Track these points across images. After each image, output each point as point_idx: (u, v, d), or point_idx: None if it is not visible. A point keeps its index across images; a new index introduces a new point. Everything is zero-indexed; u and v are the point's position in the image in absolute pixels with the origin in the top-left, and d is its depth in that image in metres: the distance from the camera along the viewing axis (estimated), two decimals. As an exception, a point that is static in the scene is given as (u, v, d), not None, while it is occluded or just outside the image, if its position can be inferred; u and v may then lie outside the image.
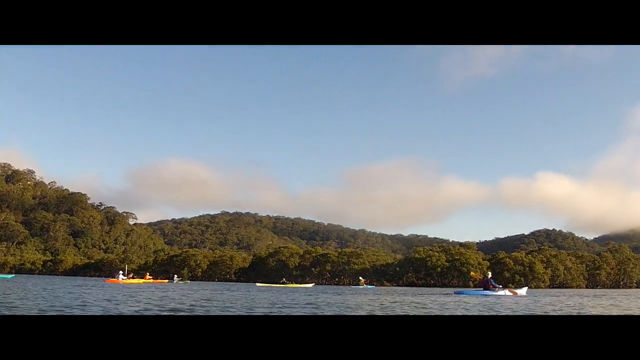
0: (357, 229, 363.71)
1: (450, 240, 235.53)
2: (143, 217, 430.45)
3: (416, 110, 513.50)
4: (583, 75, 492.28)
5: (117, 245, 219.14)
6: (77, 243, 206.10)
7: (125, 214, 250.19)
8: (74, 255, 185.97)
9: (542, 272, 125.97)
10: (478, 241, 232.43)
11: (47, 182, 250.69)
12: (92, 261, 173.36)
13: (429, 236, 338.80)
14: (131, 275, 77.17)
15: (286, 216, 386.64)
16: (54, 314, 13.41)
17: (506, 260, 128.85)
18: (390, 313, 17.06)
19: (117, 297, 23.47)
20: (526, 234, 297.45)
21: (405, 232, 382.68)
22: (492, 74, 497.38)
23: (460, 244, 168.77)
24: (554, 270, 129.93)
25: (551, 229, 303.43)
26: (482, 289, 43.55)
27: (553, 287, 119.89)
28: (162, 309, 16.32)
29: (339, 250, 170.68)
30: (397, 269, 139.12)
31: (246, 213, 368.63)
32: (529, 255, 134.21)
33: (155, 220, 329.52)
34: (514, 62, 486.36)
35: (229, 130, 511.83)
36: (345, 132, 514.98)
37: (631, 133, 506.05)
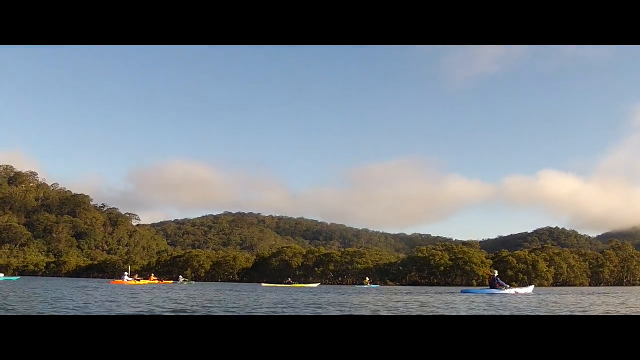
0: (360, 228, 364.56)
1: (453, 239, 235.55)
2: (146, 218, 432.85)
3: (418, 109, 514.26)
4: (585, 72, 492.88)
5: (120, 247, 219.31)
6: (80, 244, 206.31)
7: (128, 215, 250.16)
8: (77, 256, 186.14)
9: (545, 270, 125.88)
10: (481, 239, 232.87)
11: (49, 184, 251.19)
12: (95, 262, 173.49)
13: (432, 235, 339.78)
14: (136, 276, 77.12)
15: (289, 216, 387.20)
16: (72, 314, 13.43)
17: (509, 258, 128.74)
18: (405, 313, 17.08)
19: (135, 297, 23.49)
20: (529, 232, 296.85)
21: (408, 231, 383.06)
22: (494, 72, 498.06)
23: (463, 243, 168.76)
24: (557, 269, 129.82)
25: (554, 227, 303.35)
26: (488, 287, 43.54)
27: (556, 285, 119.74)
28: (183, 310, 16.34)
29: (342, 249, 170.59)
30: (400, 268, 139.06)
31: (249, 213, 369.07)
32: (532, 254, 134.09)
33: (158, 221, 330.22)
34: (515, 60, 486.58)
35: (229, 130, 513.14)
36: (347, 131, 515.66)
37: (634, 130, 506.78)
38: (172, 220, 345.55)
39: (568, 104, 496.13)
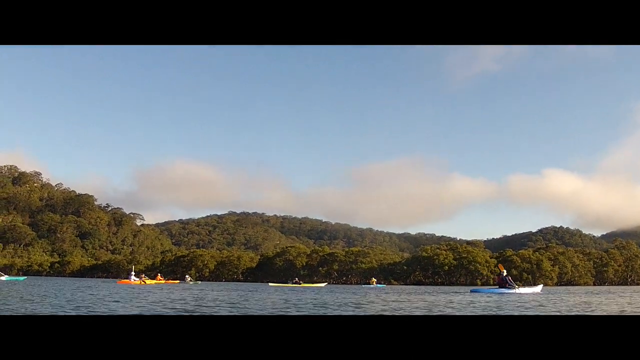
0: (365, 227, 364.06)
1: (458, 239, 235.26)
2: (150, 218, 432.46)
3: (419, 109, 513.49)
4: (586, 72, 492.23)
5: (125, 246, 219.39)
6: (85, 244, 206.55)
7: (132, 215, 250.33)
8: (82, 256, 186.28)
9: (549, 269, 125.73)
10: (485, 239, 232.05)
11: (53, 184, 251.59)
12: (100, 262, 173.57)
13: (437, 234, 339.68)
14: (143, 276, 77.26)
15: (293, 216, 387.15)
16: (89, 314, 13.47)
17: (513, 258, 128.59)
18: (427, 313, 17.11)
19: (146, 298, 23.55)
20: (534, 231, 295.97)
21: (413, 231, 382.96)
22: (495, 72, 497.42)
23: (468, 242, 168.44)
24: (561, 268, 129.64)
25: (558, 226, 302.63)
26: (497, 287, 43.46)
27: (560, 285, 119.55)
28: (204, 311, 16.38)
29: (346, 249, 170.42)
30: (405, 267, 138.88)
31: (253, 213, 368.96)
32: (537, 253, 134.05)
33: (163, 221, 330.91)
34: (516, 59, 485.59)
35: (228, 130, 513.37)
36: (348, 131, 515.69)
37: (637, 128, 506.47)
38: (177, 220, 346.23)
39: (568, 104, 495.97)
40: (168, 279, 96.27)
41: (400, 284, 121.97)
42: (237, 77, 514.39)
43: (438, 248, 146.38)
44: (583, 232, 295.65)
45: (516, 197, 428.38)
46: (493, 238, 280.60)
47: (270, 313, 15.73)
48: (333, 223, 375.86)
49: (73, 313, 14.14)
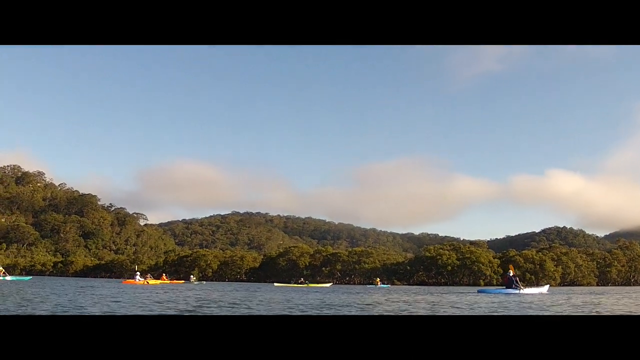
0: (368, 228, 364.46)
1: (461, 239, 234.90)
2: (153, 218, 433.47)
3: (419, 109, 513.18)
4: (590, 70, 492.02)
5: (128, 246, 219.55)
6: (88, 244, 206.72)
7: (135, 215, 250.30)
8: (85, 256, 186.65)
9: (552, 270, 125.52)
10: (489, 239, 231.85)
11: (57, 184, 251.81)
12: (103, 262, 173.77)
13: (440, 235, 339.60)
14: (148, 276, 77.33)
15: (297, 216, 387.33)
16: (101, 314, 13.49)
17: (517, 258, 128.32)
18: (433, 314, 17.13)
19: (159, 298, 23.59)
20: (537, 231, 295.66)
21: (416, 231, 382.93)
22: (496, 72, 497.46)
23: (471, 243, 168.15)
24: (564, 268, 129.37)
25: (562, 226, 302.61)
26: (504, 287, 43.42)
27: (564, 285, 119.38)
28: (221, 310, 16.40)
29: (350, 249, 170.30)
30: (408, 267, 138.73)
31: (257, 213, 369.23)
32: (540, 253, 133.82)
33: (166, 221, 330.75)
34: (517, 59, 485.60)
35: (229, 130, 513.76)
36: (348, 131, 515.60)
37: (637, 129, 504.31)
38: (180, 220, 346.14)
39: (569, 103, 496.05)
40: (172, 279, 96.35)
41: (404, 284, 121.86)
42: (237, 77, 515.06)
43: (441, 248, 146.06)
44: (586, 233, 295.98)
45: (519, 198, 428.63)
46: (496, 238, 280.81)
47: (288, 313, 15.76)
48: (336, 223, 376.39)
49: (86, 313, 14.17)
